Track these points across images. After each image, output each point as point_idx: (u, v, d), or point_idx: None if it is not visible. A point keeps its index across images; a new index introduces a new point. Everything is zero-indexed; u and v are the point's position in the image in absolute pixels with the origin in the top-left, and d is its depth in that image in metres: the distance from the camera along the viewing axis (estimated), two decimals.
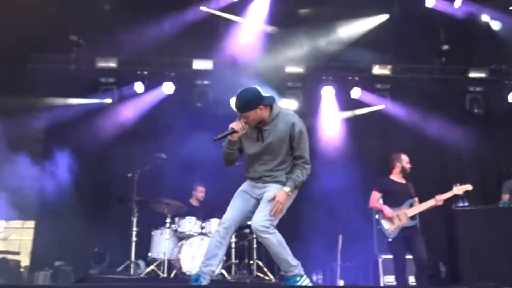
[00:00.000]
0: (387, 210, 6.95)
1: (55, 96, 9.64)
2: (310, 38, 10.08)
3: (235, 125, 4.78)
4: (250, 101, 4.76)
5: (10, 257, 8.09)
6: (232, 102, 4.83)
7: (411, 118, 9.95)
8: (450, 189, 7.06)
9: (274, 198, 4.83)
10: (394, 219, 6.91)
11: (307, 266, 5.13)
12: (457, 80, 10.25)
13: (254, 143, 4.95)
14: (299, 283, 4.93)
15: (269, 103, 4.87)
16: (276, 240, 4.85)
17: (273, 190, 4.93)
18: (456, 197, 7.56)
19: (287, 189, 4.87)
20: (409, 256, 7.00)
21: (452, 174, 8.73)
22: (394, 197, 7.06)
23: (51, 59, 9.73)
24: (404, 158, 7.21)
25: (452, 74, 10.27)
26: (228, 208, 5.01)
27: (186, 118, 10.01)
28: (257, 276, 8.23)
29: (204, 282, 4.85)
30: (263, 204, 4.91)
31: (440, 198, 6.94)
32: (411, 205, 6.98)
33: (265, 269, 8.30)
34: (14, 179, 8.09)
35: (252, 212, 5.02)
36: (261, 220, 4.81)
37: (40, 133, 9.40)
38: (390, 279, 8.10)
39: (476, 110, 10.04)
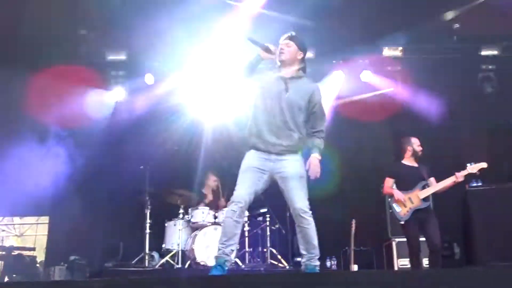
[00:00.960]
0: (397, 193, 6.93)
1: (66, 90, 9.69)
2: (319, 22, 10.00)
3: (271, 45, 4.97)
4: (303, 39, 5.10)
5: (25, 253, 8.18)
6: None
7: (421, 99, 9.84)
8: (464, 168, 6.98)
9: (309, 166, 4.92)
10: (406, 202, 6.88)
11: (321, 251, 5.10)
12: (469, 59, 10.08)
13: (275, 93, 4.94)
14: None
15: (304, 63, 5.10)
16: (313, 221, 4.91)
17: (293, 165, 4.90)
18: (470, 177, 7.49)
19: (318, 156, 4.97)
20: (423, 238, 6.96)
21: (465, 154, 8.61)
22: (406, 181, 7.02)
23: (61, 55, 9.76)
24: (415, 141, 7.15)
25: (464, 53, 10.10)
26: (240, 184, 4.88)
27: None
28: (271, 263, 8.26)
29: (228, 265, 4.88)
30: (295, 183, 4.86)
31: (460, 174, 6.86)
32: (423, 187, 6.93)
33: (279, 257, 8.33)
34: (27, 175, 8.19)
35: (263, 189, 4.99)
36: (305, 201, 4.87)
37: (52, 128, 9.44)
38: (404, 262, 8.08)
39: (489, 88, 9.91)
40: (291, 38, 5.02)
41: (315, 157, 4.96)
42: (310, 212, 4.88)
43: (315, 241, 4.93)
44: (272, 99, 4.93)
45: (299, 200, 4.84)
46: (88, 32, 9.64)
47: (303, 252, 4.98)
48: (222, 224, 5.03)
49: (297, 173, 4.90)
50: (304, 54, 5.09)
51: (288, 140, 4.91)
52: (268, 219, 8.50)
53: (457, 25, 9.84)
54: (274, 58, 4.99)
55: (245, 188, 4.85)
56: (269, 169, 4.91)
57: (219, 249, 4.86)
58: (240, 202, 4.82)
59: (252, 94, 5.05)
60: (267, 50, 4.94)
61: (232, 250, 4.90)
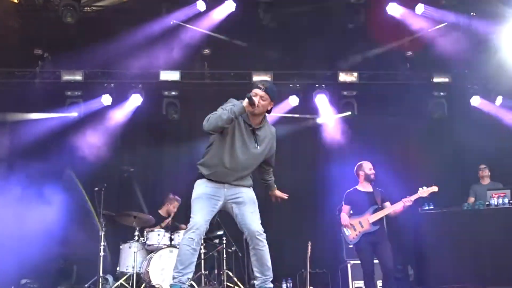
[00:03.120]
0: (343, 219, 7.05)
1: (20, 111, 9.55)
2: (277, 47, 10.19)
3: (254, 96, 4.80)
4: (276, 92, 4.92)
5: None
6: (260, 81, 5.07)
7: (377, 124, 10.09)
8: (415, 192, 7.14)
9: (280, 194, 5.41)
10: (355, 226, 6.99)
11: (277, 273, 5.14)
12: (422, 85, 10.41)
13: (247, 145, 4.90)
14: None
15: None
16: (267, 244, 4.96)
17: (247, 191, 5.00)
18: (422, 200, 7.68)
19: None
20: (377, 261, 7.06)
21: (416, 177, 8.82)
22: (357, 206, 7.14)
23: (15, 74, 9.64)
24: (366, 166, 7.28)
25: (417, 80, 10.41)
26: (196, 212, 4.86)
27: (154, 129, 10.01)
28: (227, 286, 8.21)
29: None
30: (251, 207, 4.94)
31: (408, 199, 7.00)
32: (374, 211, 7.04)
33: (235, 279, 8.29)
34: None
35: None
36: (259, 225, 4.93)
37: (5, 150, 9.28)
38: (359, 284, 8.16)
39: (440, 115, 10.24)
40: (266, 90, 4.82)
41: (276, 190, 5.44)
42: (265, 234, 4.94)
43: (269, 263, 4.98)
44: (240, 147, 4.88)
45: (254, 223, 4.92)
46: (43, 52, 9.58)
47: (257, 274, 5.00)
48: (178, 252, 4.87)
49: (251, 198, 5.01)
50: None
51: (242, 181, 5.00)
52: (224, 241, 8.47)
53: (410, 53, 10.17)
54: (256, 106, 4.79)
55: (202, 216, 4.86)
56: (223, 195, 4.95)
57: (174, 277, 4.80)
58: (198, 229, 4.81)
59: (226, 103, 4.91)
60: (253, 104, 4.75)
61: (188, 278, 4.86)
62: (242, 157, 4.89)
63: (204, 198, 4.90)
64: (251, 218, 4.91)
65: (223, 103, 4.91)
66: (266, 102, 4.84)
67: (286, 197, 5.45)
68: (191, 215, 4.88)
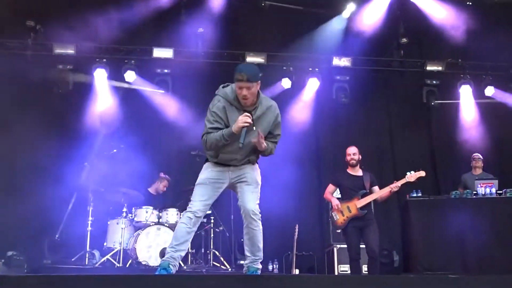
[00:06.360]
0: (334, 201, 7.08)
1: (11, 83, 9.45)
2: (273, 28, 10.14)
3: (246, 119, 4.70)
4: (257, 71, 4.75)
5: None
6: (238, 74, 4.64)
7: (368, 110, 10.10)
8: (403, 177, 7.18)
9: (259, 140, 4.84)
10: (344, 210, 7.02)
11: (264, 255, 5.17)
12: (415, 73, 10.41)
13: (246, 130, 4.79)
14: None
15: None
16: (261, 225, 5.00)
17: (251, 172, 5.00)
18: (410, 187, 7.72)
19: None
20: (363, 245, 7.11)
21: (406, 166, 8.85)
22: (345, 190, 7.20)
23: (7, 45, 9.52)
24: (348, 151, 7.33)
25: (410, 67, 10.41)
26: (198, 195, 4.93)
27: (145, 106, 9.95)
28: (214, 265, 8.26)
29: (173, 270, 4.87)
30: (252, 187, 4.97)
31: (395, 185, 7.03)
32: (362, 196, 7.06)
33: (222, 259, 8.34)
34: None
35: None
36: (256, 204, 4.95)
37: None
38: (345, 268, 8.23)
39: (432, 103, 10.27)
40: (251, 79, 4.66)
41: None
42: (260, 215, 4.99)
43: (261, 244, 5.05)
44: (243, 136, 4.80)
45: (251, 202, 4.95)
46: (35, 24, 9.45)
47: (247, 254, 5.08)
48: (175, 229, 4.99)
49: (254, 179, 5.02)
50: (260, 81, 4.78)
51: (249, 157, 5.00)
52: (212, 221, 8.50)
53: (404, 40, 10.14)
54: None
55: (203, 201, 4.93)
56: (227, 178, 5.00)
57: (167, 253, 4.88)
58: (196, 213, 4.89)
59: (212, 116, 4.85)
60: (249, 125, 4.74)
61: (181, 256, 4.93)
62: (243, 142, 4.82)
63: (208, 184, 4.97)
64: (249, 197, 4.96)
65: (208, 111, 4.86)
66: (253, 89, 4.72)
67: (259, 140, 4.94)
68: (192, 198, 4.97)
